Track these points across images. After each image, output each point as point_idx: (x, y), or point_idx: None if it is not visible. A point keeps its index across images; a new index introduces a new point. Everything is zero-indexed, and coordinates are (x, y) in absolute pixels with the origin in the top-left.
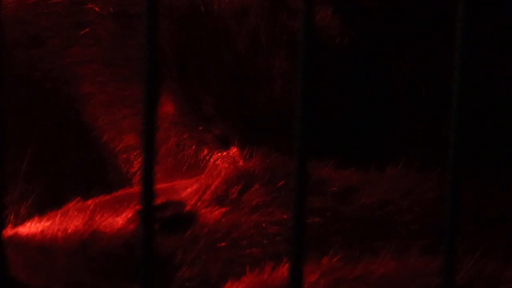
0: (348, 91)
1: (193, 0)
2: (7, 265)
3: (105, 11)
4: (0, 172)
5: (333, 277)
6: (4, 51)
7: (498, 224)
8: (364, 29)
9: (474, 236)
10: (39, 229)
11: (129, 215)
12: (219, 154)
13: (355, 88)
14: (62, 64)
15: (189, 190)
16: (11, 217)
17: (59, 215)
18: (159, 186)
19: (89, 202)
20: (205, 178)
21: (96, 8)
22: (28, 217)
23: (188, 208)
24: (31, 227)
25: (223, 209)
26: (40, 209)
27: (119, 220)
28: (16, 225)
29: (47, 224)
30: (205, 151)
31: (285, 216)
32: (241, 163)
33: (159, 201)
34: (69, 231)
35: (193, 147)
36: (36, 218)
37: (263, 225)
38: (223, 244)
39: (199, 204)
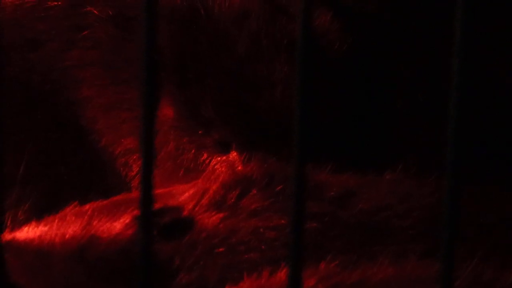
0: (347, 96)
1: (193, 3)
2: (6, 270)
3: (104, 14)
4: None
5: (331, 282)
6: (3, 54)
7: (496, 230)
8: (363, 33)
9: (472, 242)
10: (37, 234)
11: (127, 221)
12: (219, 159)
13: (353, 92)
14: (61, 67)
15: (186, 195)
16: (9, 222)
17: (56, 220)
18: (157, 191)
19: (87, 207)
20: (203, 183)
21: (95, 11)
22: (25, 221)
23: (185, 213)
24: (28, 232)
25: (220, 214)
26: (37, 214)
27: (117, 225)
28: (13, 229)
29: (45, 229)
30: (205, 155)
31: (283, 221)
32: (239, 167)
33: (156, 206)
34: (67, 236)
35: (193, 151)
36: (34, 223)
37: (261, 230)
38: (221, 249)
39: (196, 209)
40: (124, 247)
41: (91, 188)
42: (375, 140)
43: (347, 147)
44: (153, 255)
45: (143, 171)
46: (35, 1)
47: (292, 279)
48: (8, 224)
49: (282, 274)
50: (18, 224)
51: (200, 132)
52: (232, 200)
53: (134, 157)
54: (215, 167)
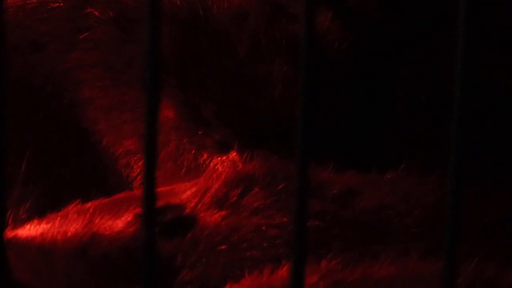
0: (348, 95)
1: (193, 5)
2: (8, 267)
3: (105, 15)
4: (1, 174)
5: (332, 280)
6: (5, 55)
7: (499, 228)
8: (364, 33)
9: (474, 241)
10: (39, 231)
11: (129, 218)
12: (219, 159)
13: (355, 91)
14: (62, 69)
15: (188, 193)
16: (10, 220)
17: (58, 218)
18: (159, 189)
19: (89, 205)
20: (205, 181)
21: (96, 13)
22: (27, 220)
23: (188, 211)
24: (30, 230)
25: (223, 212)
26: (39, 212)
27: (119, 223)
28: (15, 227)
29: (47, 226)
30: (205, 156)
31: (285, 219)
32: (240, 167)
33: (159, 204)
34: (69, 234)
35: (193, 151)
36: (36, 221)
37: (263, 228)
38: (223, 247)
39: (199, 207)
40: (126, 245)
41: (93, 188)
42: (377, 139)
43: (349, 146)
44: (155, 253)
45: (146, 168)
46: (37, 3)
47: (294, 276)
48: (9, 222)
49: (284, 272)
50: (20, 222)
51: (200, 132)
52: (234, 198)
53: (135, 158)
54: (216, 167)
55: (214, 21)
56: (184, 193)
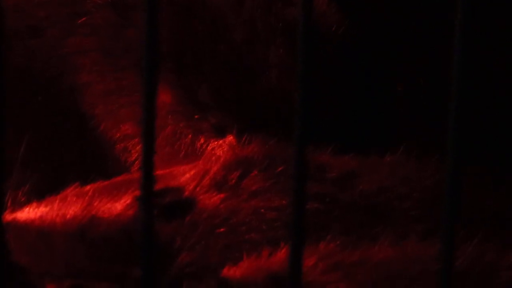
0: (347, 78)
1: None
2: (7, 250)
3: (103, 0)
4: (0, 158)
5: (331, 262)
6: (4, 40)
7: (497, 212)
8: (361, 16)
9: (473, 224)
10: (38, 214)
11: (128, 201)
12: (216, 143)
13: (353, 75)
14: (61, 54)
15: (187, 176)
16: (9, 203)
17: (57, 201)
18: (158, 172)
19: (88, 187)
20: (204, 164)
21: None
22: (26, 203)
23: (186, 194)
24: (29, 213)
25: (221, 195)
26: (38, 195)
27: (118, 206)
28: (14, 210)
29: (46, 209)
30: (202, 140)
31: (283, 202)
32: (238, 150)
33: (158, 187)
34: (68, 216)
35: (190, 135)
36: (35, 204)
37: (262, 211)
38: (222, 230)
39: (197, 190)
40: (125, 227)
41: (91, 172)
42: (376, 122)
43: (348, 129)
44: (154, 235)
45: (144, 151)
46: None
47: (293, 259)
48: (9, 205)
49: (283, 254)
50: (19, 205)
51: (197, 116)
52: (233, 181)
53: (133, 142)
54: (213, 151)
55: (210, 6)
56: (183, 176)
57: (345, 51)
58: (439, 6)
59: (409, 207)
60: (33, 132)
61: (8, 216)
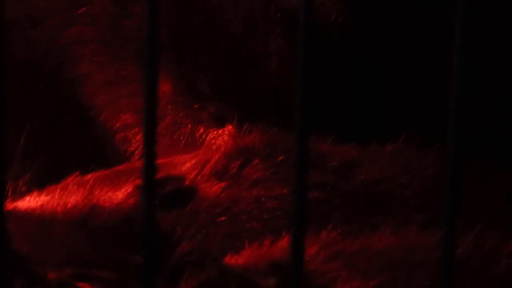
0: (347, 67)
1: None
2: (9, 238)
3: None
4: (1, 147)
5: (332, 250)
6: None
7: (498, 202)
8: (361, 5)
9: (474, 213)
10: (39, 203)
11: (129, 190)
12: (215, 132)
13: (354, 64)
14: (61, 44)
15: (188, 164)
16: (10, 192)
17: (58, 190)
18: (159, 160)
19: (89, 176)
20: (205, 153)
21: None
22: (27, 192)
23: (187, 182)
24: (30, 202)
25: (222, 184)
26: (39, 184)
27: (119, 195)
28: (15, 200)
29: (47, 198)
30: (201, 130)
31: (284, 191)
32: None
33: (158, 176)
34: (69, 205)
35: (189, 125)
36: (35, 193)
37: (263, 199)
38: (223, 218)
39: (198, 178)
40: (126, 216)
41: (92, 161)
42: (377, 111)
43: (350, 118)
44: (155, 224)
45: (146, 139)
46: None
47: (294, 247)
48: (9, 195)
49: (284, 243)
50: (20, 195)
51: (196, 106)
52: (234, 170)
53: (133, 131)
54: (212, 141)
55: None
56: (184, 165)
57: (345, 40)
58: None
59: (410, 196)
60: (33, 121)
61: (9, 205)
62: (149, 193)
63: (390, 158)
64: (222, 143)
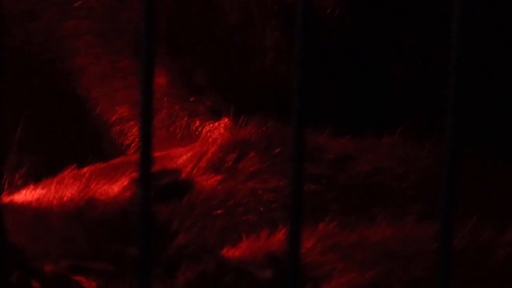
0: (344, 60)
1: None
2: (5, 231)
3: None
4: None
5: (329, 243)
6: (3, 23)
7: (495, 193)
8: None
9: (471, 204)
10: (35, 196)
11: (125, 183)
12: (211, 125)
13: (350, 56)
14: (57, 37)
15: (184, 157)
16: (6, 185)
17: (54, 183)
18: (155, 154)
19: (85, 170)
20: (201, 146)
21: None
22: (23, 185)
23: (184, 175)
24: (26, 195)
25: (219, 177)
26: (35, 178)
27: (115, 188)
28: (11, 193)
29: (43, 191)
30: (197, 123)
31: (281, 183)
32: (234, 132)
33: (155, 168)
34: (65, 198)
35: (185, 118)
36: (32, 186)
37: (259, 192)
38: (219, 211)
39: (195, 171)
40: (122, 209)
41: (88, 155)
42: (374, 104)
43: (346, 111)
44: (152, 217)
45: (142, 132)
46: None
47: (291, 240)
48: (5, 188)
49: (281, 235)
50: (16, 188)
51: (192, 99)
52: (230, 163)
53: (129, 124)
54: (208, 133)
55: None
56: (180, 158)
57: (341, 33)
58: None
59: (407, 187)
60: (29, 115)
61: (5, 199)
62: (145, 186)
63: (386, 151)
64: (218, 136)
